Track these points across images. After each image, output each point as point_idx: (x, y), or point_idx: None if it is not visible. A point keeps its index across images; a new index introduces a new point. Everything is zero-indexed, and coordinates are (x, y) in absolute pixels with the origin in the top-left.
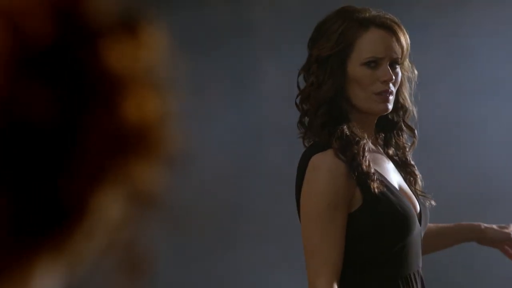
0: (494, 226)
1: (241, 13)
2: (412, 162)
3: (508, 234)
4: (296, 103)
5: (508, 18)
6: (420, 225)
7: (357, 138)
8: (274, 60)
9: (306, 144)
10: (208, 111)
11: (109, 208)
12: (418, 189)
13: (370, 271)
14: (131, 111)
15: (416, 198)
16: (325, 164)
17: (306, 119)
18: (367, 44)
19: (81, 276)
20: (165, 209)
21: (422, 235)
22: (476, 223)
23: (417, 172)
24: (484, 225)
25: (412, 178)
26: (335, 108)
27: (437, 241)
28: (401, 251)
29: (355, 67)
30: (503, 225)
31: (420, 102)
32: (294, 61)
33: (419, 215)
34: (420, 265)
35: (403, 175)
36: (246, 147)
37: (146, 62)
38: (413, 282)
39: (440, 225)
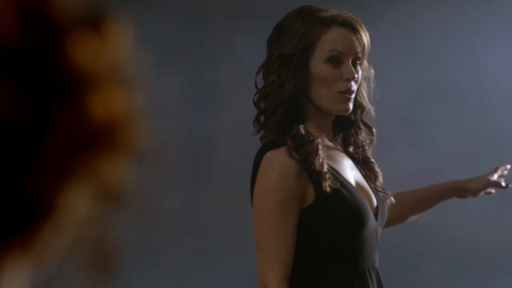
0: (472, 178)
1: (197, 10)
2: (372, 160)
3: (487, 179)
4: (253, 101)
5: (463, 13)
6: (376, 220)
7: (311, 137)
8: (229, 56)
9: (263, 142)
10: (169, 107)
11: (77, 204)
12: (379, 185)
13: (322, 266)
14: (97, 108)
15: (376, 195)
16: (277, 162)
17: (262, 118)
18: (330, 41)
19: (49, 272)
20: (133, 206)
21: (379, 231)
22: (453, 180)
23: (377, 169)
24: (462, 181)
25: (372, 175)
26: (294, 107)
27: (418, 205)
28: (355, 246)
29: (318, 65)
30: (484, 174)
31: (374, 98)
32: (250, 56)
33: (376, 211)
34: (376, 260)
35: (363, 172)
36: (207, 143)
37: (111, 58)
38: (368, 277)
39: (417, 190)
